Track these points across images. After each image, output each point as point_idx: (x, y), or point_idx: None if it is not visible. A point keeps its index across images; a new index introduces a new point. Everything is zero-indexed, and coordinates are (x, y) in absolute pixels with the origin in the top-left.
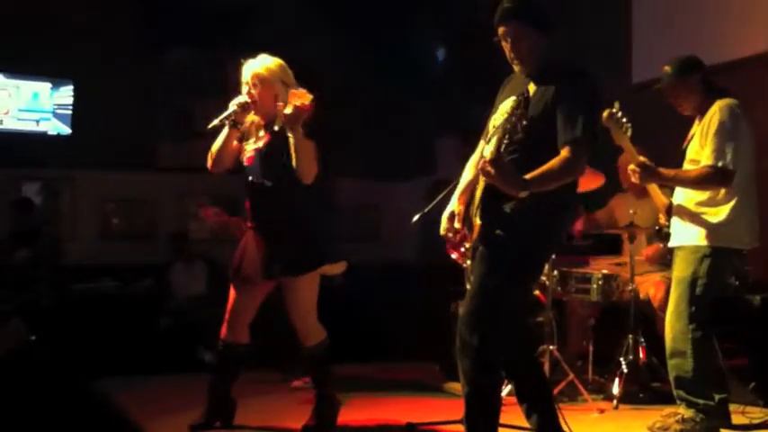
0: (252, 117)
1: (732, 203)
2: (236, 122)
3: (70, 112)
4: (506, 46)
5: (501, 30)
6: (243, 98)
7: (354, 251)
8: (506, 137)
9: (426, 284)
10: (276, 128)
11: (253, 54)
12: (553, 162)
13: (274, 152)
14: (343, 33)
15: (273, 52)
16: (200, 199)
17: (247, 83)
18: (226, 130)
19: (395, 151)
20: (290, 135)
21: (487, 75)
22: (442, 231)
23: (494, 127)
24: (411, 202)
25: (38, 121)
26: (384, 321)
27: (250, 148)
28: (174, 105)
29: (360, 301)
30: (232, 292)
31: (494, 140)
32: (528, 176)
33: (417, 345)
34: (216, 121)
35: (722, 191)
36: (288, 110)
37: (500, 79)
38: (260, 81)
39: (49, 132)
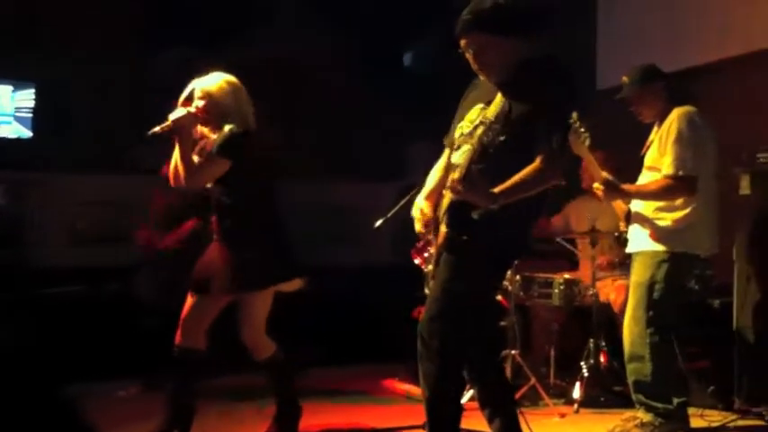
0: (208, 133)
1: (690, 209)
2: (179, 131)
3: (31, 115)
4: (470, 57)
5: (462, 42)
6: (181, 111)
7: (326, 253)
8: (478, 148)
9: (397, 287)
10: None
11: (217, 53)
12: (525, 172)
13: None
14: (334, 36)
15: (254, 56)
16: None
17: (200, 98)
18: (177, 147)
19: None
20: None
21: (466, 78)
22: (418, 229)
23: (461, 135)
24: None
25: None
26: (352, 324)
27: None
28: (139, 106)
29: (334, 303)
30: (189, 299)
31: (464, 151)
32: (498, 189)
33: (383, 348)
34: (156, 129)
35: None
36: (179, 112)
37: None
38: (208, 96)
39: (10, 136)
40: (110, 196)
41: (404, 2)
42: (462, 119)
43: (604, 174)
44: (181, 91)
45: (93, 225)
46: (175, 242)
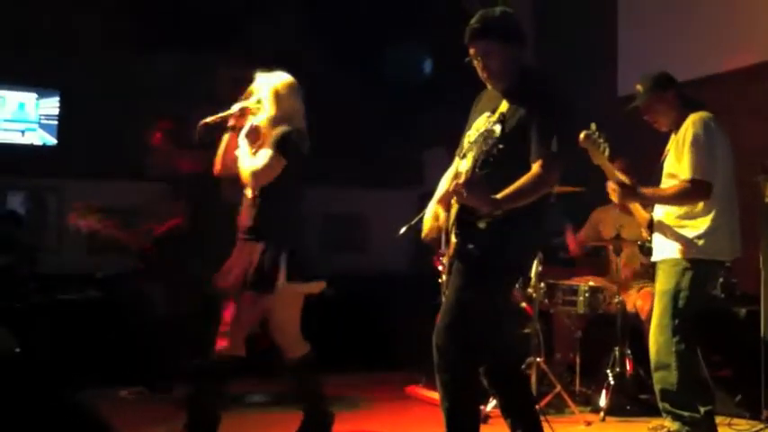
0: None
1: (711, 215)
2: (234, 127)
3: (56, 122)
4: (478, 65)
5: (471, 50)
6: (245, 104)
7: (342, 261)
8: (481, 156)
9: (414, 295)
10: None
11: (247, 63)
12: (524, 179)
13: None
14: (336, 43)
15: (267, 60)
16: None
17: (254, 92)
18: (226, 136)
19: (385, 161)
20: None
21: (479, 87)
22: (423, 235)
23: (469, 143)
24: (400, 212)
25: (23, 132)
26: (370, 331)
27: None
28: (164, 114)
29: (347, 311)
30: (229, 304)
31: (469, 158)
32: (499, 195)
33: (404, 355)
34: (208, 120)
35: (701, 203)
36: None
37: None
38: (272, 92)
39: (35, 143)
40: (132, 203)
41: (414, 6)
42: (470, 127)
43: (621, 176)
44: (206, 99)
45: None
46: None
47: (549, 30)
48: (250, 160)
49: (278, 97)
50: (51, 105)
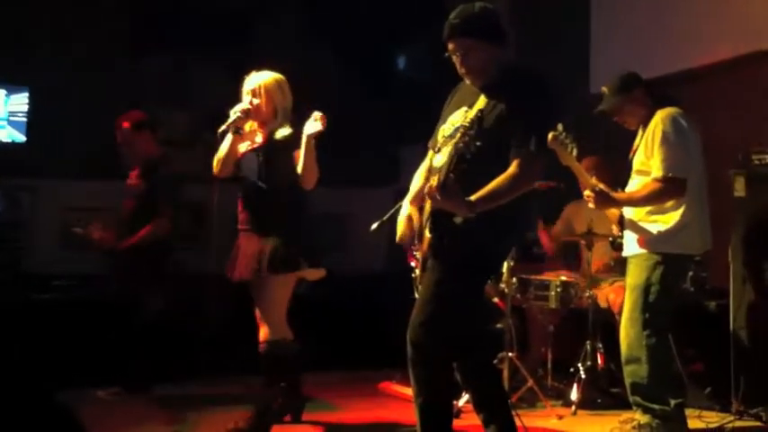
0: (251, 124)
1: (681, 210)
2: (238, 129)
3: (25, 119)
4: (457, 60)
5: (450, 46)
6: (245, 105)
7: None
8: (457, 152)
9: (391, 292)
10: (278, 136)
11: (223, 60)
12: (501, 178)
13: (274, 158)
14: (316, 41)
15: (249, 61)
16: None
17: (251, 92)
18: (230, 137)
19: (361, 158)
20: (306, 146)
21: (456, 83)
22: (398, 238)
23: (443, 137)
24: (377, 209)
25: None
26: (349, 330)
27: (243, 148)
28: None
29: (328, 309)
30: (253, 294)
31: (444, 153)
32: (474, 197)
33: (382, 353)
34: (223, 127)
35: None
36: (317, 126)
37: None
38: (265, 91)
39: (3, 140)
40: (102, 202)
41: (396, 5)
42: (445, 121)
43: (593, 181)
44: (178, 97)
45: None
46: (133, 242)
47: (524, 29)
48: (308, 163)
49: (269, 94)
50: (20, 102)
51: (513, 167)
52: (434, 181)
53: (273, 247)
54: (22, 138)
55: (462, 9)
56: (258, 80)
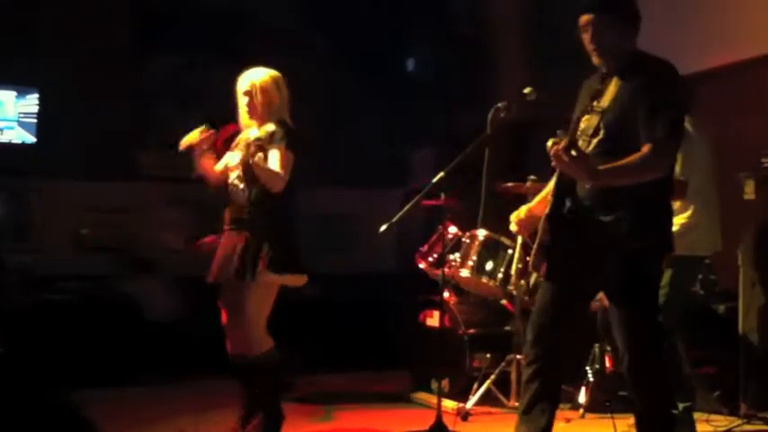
0: (248, 122)
1: (689, 212)
2: (204, 150)
3: (35, 120)
4: (586, 37)
5: (584, 19)
6: (243, 107)
7: (327, 261)
8: (584, 135)
9: (400, 294)
10: (255, 136)
11: (229, 61)
12: (632, 157)
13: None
14: (322, 40)
15: (253, 62)
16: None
17: (246, 93)
18: (198, 157)
19: (372, 159)
20: (254, 167)
21: (468, 84)
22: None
23: (579, 131)
24: (385, 211)
25: (2, 130)
26: (357, 331)
27: (235, 155)
28: (143, 111)
29: (334, 311)
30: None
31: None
32: (601, 168)
33: (389, 355)
34: (180, 148)
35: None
36: (237, 156)
37: (481, 90)
38: (261, 90)
39: (14, 141)
40: (113, 203)
41: (401, 6)
42: (580, 115)
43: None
44: (186, 97)
45: (97, 232)
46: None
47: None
48: (271, 164)
49: (266, 92)
50: (31, 103)
51: (645, 150)
52: (564, 143)
53: (252, 248)
54: (32, 139)
55: None
56: (253, 79)
